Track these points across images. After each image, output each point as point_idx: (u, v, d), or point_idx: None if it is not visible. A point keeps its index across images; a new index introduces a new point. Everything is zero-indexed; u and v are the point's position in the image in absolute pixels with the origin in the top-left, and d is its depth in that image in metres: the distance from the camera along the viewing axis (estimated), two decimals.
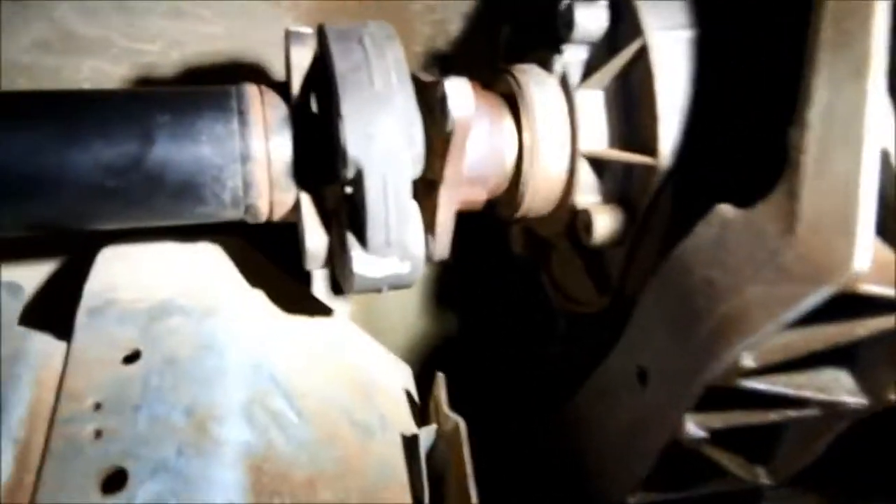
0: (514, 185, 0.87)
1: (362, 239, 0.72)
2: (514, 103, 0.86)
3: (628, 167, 0.82)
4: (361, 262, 0.73)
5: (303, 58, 0.75)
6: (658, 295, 0.69)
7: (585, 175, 0.84)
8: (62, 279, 0.97)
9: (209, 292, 0.79)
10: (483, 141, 0.83)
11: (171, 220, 0.76)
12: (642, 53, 0.78)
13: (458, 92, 0.75)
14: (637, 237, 0.80)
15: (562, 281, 1.00)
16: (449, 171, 0.79)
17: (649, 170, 0.78)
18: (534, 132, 0.84)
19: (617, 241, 0.83)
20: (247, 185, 0.74)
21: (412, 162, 0.71)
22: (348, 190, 0.73)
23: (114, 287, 0.77)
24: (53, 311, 0.77)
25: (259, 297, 0.83)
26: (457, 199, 0.81)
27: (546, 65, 0.86)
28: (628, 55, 0.79)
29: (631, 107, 0.82)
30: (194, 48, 0.96)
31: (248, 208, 0.76)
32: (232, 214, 0.77)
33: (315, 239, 0.75)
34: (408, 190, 0.71)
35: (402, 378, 0.96)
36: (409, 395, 0.93)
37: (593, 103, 0.83)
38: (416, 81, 0.74)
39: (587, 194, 0.85)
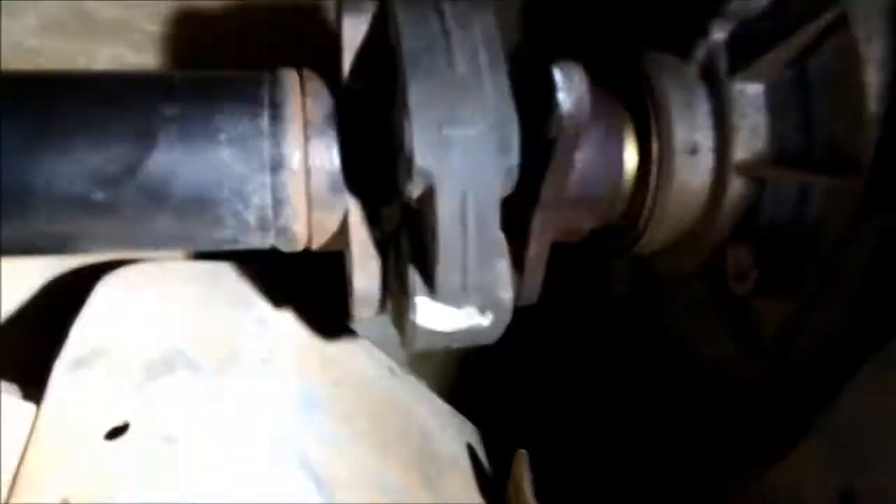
0: (634, 208, 0.66)
1: (430, 279, 0.52)
2: (637, 100, 0.64)
3: (804, 189, 0.59)
4: (428, 312, 0.53)
5: (358, 31, 0.56)
6: (880, 385, 0.46)
7: (738, 198, 0.61)
8: (40, 309, 0.71)
9: (227, 339, 0.61)
10: (595, 149, 0.62)
11: (178, 246, 0.58)
12: (836, 28, 0.55)
13: (570, 82, 0.55)
14: (818, 287, 0.57)
15: (685, 333, 0.77)
16: (548, 189, 0.58)
17: (843, 193, 0.55)
18: (666, 139, 0.62)
19: (780, 290, 0.60)
20: (278, 203, 0.55)
21: (504, 176, 0.50)
22: (414, 211, 0.53)
23: (108, 331, 0.59)
24: (21, 356, 0.59)
25: (290, 344, 0.64)
26: (555, 227, 0.60)
27: (683, 51, 0.64)
28: (813, 32, 0.56)
29: (810, 106, 0.59)
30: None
31: (280, 232, 0.57)
32: (258, 241, 0.58)
33: (367, 277, 0.56)
34: (496, 216, 0.51)
35: (468, 441, 0.75)
36: (479, 470, 0.73)
37: (752, 101, 0.61)
38: (514, 65, 0.53)
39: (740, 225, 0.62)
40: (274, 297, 0.67)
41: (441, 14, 0.52)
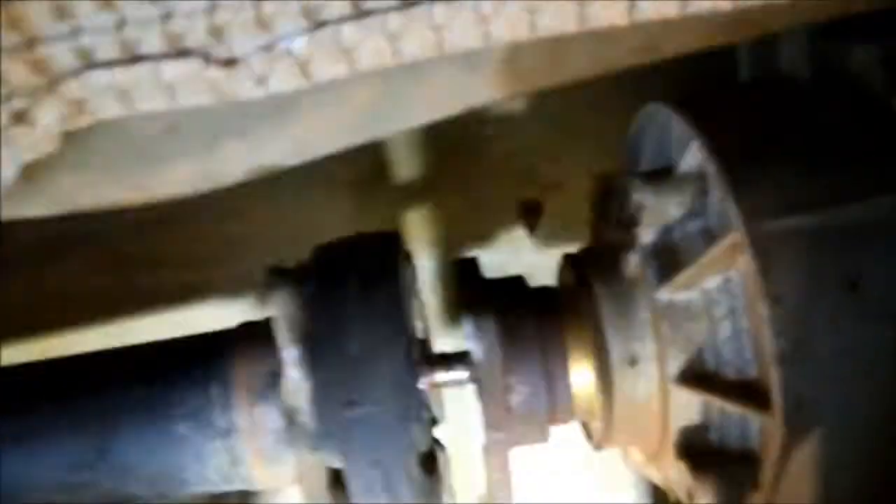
0: (589, 422, 0.66)
1: None
2: (576, 314, 0.65)
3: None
4: None
5: (287, 302, 0.62)
6: None
7: (685, 414, 0.60)
8: None
9: None
10: (532, 378, 0.63)
11: (161, 500, 0.65)
12: (740, 251, 0.54)
13: (481, 331, 0.58)
14: None
15: None
16: (488, 415, 0.61)
17: (769, 427, 0.53)
18: (604, 351, 0.62)
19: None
20: (234, 461, 0.61)
21: (413, 444, 0.54)
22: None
23: None
24: None
25: None
26: (506, 451, 0.62)
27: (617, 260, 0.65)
28: (717, 254, 0.55)
29: (738, 321, 0.57)
30: None
31: (243, 481, 0.63)
32: (227, 488, 0.64)
33: None
34: (407, 483, 0.54)
35: None
36: None
37: (683, 311, 0.60)
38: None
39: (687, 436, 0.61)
40: None
41: (343, 301, 0.56)
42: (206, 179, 0.51)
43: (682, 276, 0.59)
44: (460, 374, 0.63)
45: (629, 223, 0.65)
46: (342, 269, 0.59)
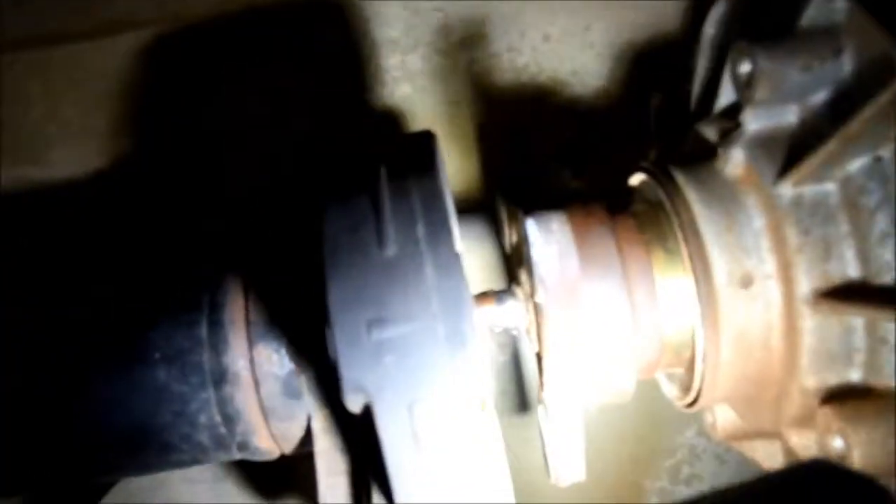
0: (682, 358, 0.51)
1: None
2: (662, 226, 0.51)
3: None
4: None
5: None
6: None
7: (820, 342, 0.45)
8: None
9: None
10: (613, 298, 0.49)
11: (142, 474, 0.52)
12: None
13: (548, 233, 0.44)
14: None
15: None
16: (549, 360, 0.47)
17: None
18: (704, 271, 0.48)
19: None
20: (228, 419, 0.47)
21: (461, 373, 0.39)
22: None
23: None
24: None
25: None
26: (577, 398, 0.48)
27: (706, 154, 0.51)
28: (886, 102, 0.41)
29: None
30: None
31: (242, 448, 0.49)
32: (224, 457, 0.50)
33: (331, 496, 0.46)
34: (458, 425, 0.39)
35: None
36: None
37: (815, 209, 0.45)
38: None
39: (825, 372, 0.46)
40: None
41: (374, 191, 0.43)
42: None
43: (812, 161, 0.45)
44: (515, 307, 0.49)
45: (728, 113, 0.52)
46: (370, 162, 0.45)
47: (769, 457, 0.56)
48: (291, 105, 0.73)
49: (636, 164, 0.55)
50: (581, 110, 0.79)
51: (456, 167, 0.75)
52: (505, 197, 0.58)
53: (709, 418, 0.64)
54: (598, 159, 0.75)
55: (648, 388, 0.54)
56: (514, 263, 0.56)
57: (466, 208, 0.69)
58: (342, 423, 0.48)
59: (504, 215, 0.57)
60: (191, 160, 0.73)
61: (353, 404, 0.40)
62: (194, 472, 0.64)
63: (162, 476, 0.60)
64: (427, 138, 0.47)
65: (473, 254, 0.66)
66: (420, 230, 0.41)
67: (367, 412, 0.39)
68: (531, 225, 0.45)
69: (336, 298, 0.40)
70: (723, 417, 0.61)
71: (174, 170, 0.73)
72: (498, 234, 0.65)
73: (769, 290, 0.47)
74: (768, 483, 0.35)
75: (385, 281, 0.40)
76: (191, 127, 0.73)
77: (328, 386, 0.47)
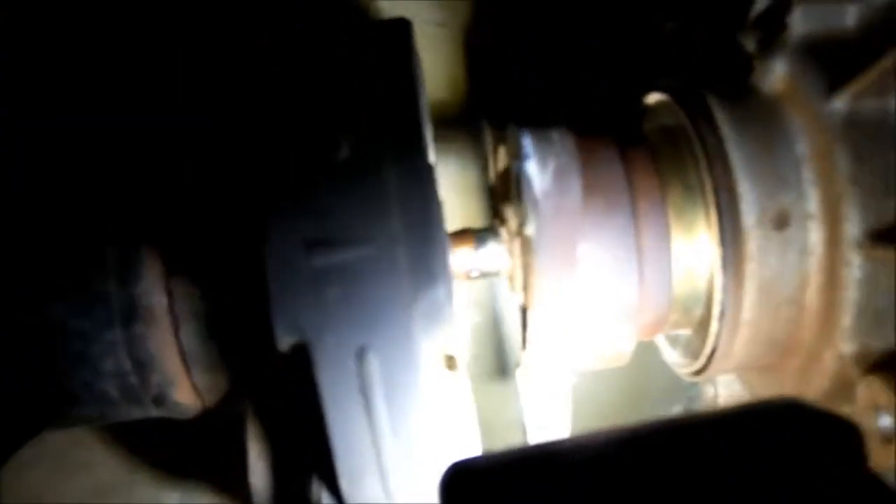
0: (692, 316, 0.43)
1: (332, 482, 0.32)
2: (679, 153, 0.42)
3: None
4: None
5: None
6: None
7: (866, 295, 0.37)
8: None
9: None
10: (619, 239, 0.40)
11: (38, 431, 0.42)
12: None
13: (546, 150, 0.35)
14: None
15: None
16: (535, 313, 0.38)
17: None
18: (732, 209, 0.39)
19: None
20: (140, 365, 0.38)
21: (427, 312, 0.31)
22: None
23: None
24: None
25: None
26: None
27: (734, 70, 0.42)
28: None
29: None
30: None
31: (159, 402, 0.40)
32: (139, 413, 0.41)
33: (261, 476, 0.37)
34: (420, 378, 0.31)
35: None
36: None
37: (873, 132, 0.37)
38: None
39: (869, 336, 0.38)
40: None
41: (327, 81, 0.33)
42: None
43: (875, 71, 0.36)
44: (497, 250, 0.41)
45: (766, 19, 0.42)
46: (329, 50, 0.36)
47: None
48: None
49: (653, 83, 0.46)
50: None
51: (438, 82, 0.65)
52: (492, 122, 0.49)
53: (710, 391, 0.56)
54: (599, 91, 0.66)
55: (635, 355, 0.46)
56: (500, 197, 0.47)
57: (446, 125, 0.59)
58: (281, 376, 0.39)
59: (490, 139, 0.48)
60: None
61: (285, 345, 0.31)
62: None
63: None
64: (401, 26, 0.38)
65: (449, 180, 0.56)
66: (383, 129, 0.32)
67: (303, 357, 0.31)
68: (526, 136, 0.36)
69: (270, 208, 0.30)
70: (727, 391, 0.53)
71: None
72: (484, 168, 0.56)
73: (809, 232, 0.39)
74: (729, 416, 0.27)
75: (332, 189, 0.30)
76: None
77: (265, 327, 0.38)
